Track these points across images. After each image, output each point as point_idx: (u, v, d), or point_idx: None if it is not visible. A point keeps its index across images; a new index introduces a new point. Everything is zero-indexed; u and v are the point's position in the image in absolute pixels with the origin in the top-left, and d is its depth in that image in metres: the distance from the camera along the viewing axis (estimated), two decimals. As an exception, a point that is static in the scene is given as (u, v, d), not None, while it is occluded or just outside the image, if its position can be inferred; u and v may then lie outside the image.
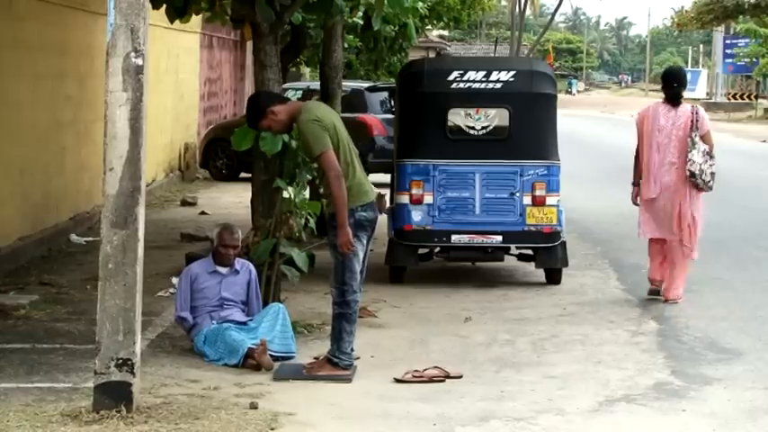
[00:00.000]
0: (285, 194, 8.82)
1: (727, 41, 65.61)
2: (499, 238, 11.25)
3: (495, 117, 11.38)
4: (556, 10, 61.56)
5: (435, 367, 7.90)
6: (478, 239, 11.26)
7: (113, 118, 6.55)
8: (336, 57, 13.01)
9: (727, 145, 28.98)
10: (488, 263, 12.09)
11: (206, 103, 24.35)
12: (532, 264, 11.66)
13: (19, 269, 11.67)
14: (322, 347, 8.30)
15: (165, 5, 9.87)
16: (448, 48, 51.80)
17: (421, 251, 11.57)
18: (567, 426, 6.85)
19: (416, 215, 11.25)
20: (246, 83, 28.13)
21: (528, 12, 66.87)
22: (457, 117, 11.38)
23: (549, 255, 11.39)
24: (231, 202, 18.33)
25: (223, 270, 8.60)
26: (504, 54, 52.21)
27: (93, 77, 14.23)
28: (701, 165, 10.40)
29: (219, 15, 10.54)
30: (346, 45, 18.33)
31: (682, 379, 7.94)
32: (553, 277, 11.56)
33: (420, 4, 13.28)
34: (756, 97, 62.74)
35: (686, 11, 53.56)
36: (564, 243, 11.46)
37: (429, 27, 29.37)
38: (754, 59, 59.44)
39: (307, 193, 9.13)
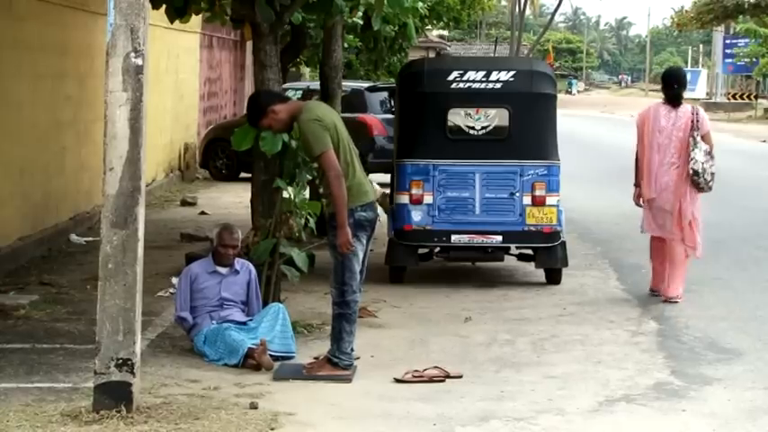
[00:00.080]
0: (285, 194, 8.82)
1: (727, 41, 65.60)
2: (499, 238, 11.25)
3: (495, 117, 11.38)
4: (556, 10, 61.67)
5: (435, 367, 7.90)
6: (478, 239, 11.26)
7: (113, 118, 6.55)
8: (336, 57, 13.00)
9: (726, 145, 28.98)
10: (488, 263, 12.09)
11: (206, 103, 24.36)
12: (532, 264, 11.67)
13: (19, 269, 11.68)
14: (322, 347, 8.30)
15: (165, 5, 9.87)
16: (448, 48, 51.81)
17: (421, 251, 11.57)
18: (566, 426, 6.85)
19: (416, 215, 11.25)
20: (246, 83, 28.13)
21: (528, 12, 66.92)
22: (457, 117, 11.38)
23: (549, 255, 11.39)
24: (231, 202, 18.32)
25: (223, 270, 8.60)
26: (504, 54, 52.22)
27: (93, 77, 14.24)
28: (703, 164, 10.41)
29: (219, 15, 10.53)
30: (346, 45, 18.34)
31: (682, 379, 7.95)
32: (553, 277, 11.56)
33: (420, 4, 13.28)
34: (756, 97, 62.74)
35: (686, 11, 53.58)
36: (564, 243, 11.46)
37: (429, 27, 29.39)
38: (754, 59, 59.45)
39: (307, 193, 9.13)
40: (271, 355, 7.98)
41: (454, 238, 11.26)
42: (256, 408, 6.93)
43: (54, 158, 13.37)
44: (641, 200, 10.78)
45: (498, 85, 11.33)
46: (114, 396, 6.56)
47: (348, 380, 7.71)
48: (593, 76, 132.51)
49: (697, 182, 10.46)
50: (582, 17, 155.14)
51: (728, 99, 64.56)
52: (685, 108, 10.65)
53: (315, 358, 8.11)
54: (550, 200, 11.27)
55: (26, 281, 11.07)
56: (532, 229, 11.27)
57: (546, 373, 8.05)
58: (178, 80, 21.04)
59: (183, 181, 21.45)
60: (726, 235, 14.58)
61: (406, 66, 13.40)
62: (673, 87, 10.71)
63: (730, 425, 6.91)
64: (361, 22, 14.63)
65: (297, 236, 8.91)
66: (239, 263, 8.64)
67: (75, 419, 6.52)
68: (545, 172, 11.27)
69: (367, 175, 8.09)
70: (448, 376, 7.80)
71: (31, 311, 9.65)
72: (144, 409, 6.67)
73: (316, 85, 17.38)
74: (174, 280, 10.04)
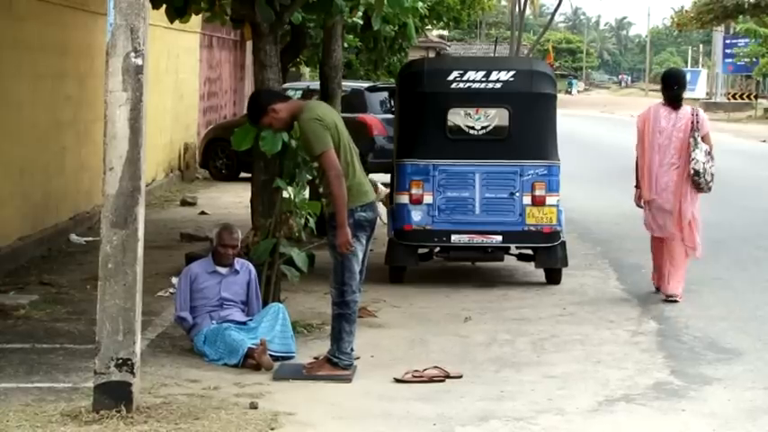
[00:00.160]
0: (285, 194, 8.81)
1: (727, 41, 65.60)
2: (499, 237, 11.25)
3: (495, 117, 11.38)
4: (556, 10, 61.72)
5: (435, 367, 7.90)
6: (478, 239, 11.26)
7: (113, 118, 6.55)
8: (336, 57, 13.00)
9: (726, 145, 28.99)
10: (488, 263, 12.09)
11: (206, 102, 24.36)
12: (532, 264, 11.67)
13: (19, 269, 11.67)
14: (322, 347, 8.30)
15: (165, 5, 9.87)
16: (448, 48, 51.80)
17: (421, 251, 11.57)
18: (566, 426, 6.85)
19: (416, 215, 11.25)
20: (246, 83, 28.13)
21: (528, 12, 66.95)
22: (457, 117, 11.38)
23: (548, 255, 11.39)
24: (231, 202, 18.33)
25: (223, 270, 8.60)
26: (504, 54, 52.22)
27: (93, 77, 14.24)
28: (704, 164, 10.43)
29: (219, 15, 10.53)
30: (346, 45, 18.34)
31: (681, 379, 7.95)
32: (553, 277, 11.56)
33: (420, 4, 13.27)
34: (756, 97, 62.74)
35: (686, 11, 53.54)
36: (564, 243, 11.46)
37: (429, 27, 29.38)
38: (754, 59, 59.44)
39: (307, 193, 9.13)
40: (271, 355, 7.98)
41: (454, 237, 11.26)
42: (256, 408, 6.93)
43: (54, 158, 13.37)
44: (642, 201, 10.79)
45: (498, 85, 11.33)
46: (114, 396, 6.56)
47: (348, 380, 7.71)
48: (593, 76, 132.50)
49: (698, 182, 10.47)
50: (582, 17, 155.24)
51: (728, 99, 64.56)
52: (685, 109, 10.66)
53: (315, 358, 8.11)
54: (550, 200, 11.27)
55: (26, 281, 11.08)
56: (532, 229, 11.27)
57: (546, 373, 8.05)
58: (178, 80, 21.04)
59: (183, 181, 21.45)
60: (726, 235, 14.58)
61: (405, 66, 13.39)
62: (672, 88, 10.72)
63: (730, 425, 6.91)
64: (361, 22, 14.63)
65: (297, 236, 8.90)
66: (239, 263, 8.64)
67: (75, 419, 6.52)
68: (545, 172, 11.27)
69: (367, 175, 8.09)
70: (448, 376, 7.80)
71: (31, 311, 9.65)
72: (144, 409, 6.67)
73: (316, 84, 17.38)
74: (174, 280, 10.04)
